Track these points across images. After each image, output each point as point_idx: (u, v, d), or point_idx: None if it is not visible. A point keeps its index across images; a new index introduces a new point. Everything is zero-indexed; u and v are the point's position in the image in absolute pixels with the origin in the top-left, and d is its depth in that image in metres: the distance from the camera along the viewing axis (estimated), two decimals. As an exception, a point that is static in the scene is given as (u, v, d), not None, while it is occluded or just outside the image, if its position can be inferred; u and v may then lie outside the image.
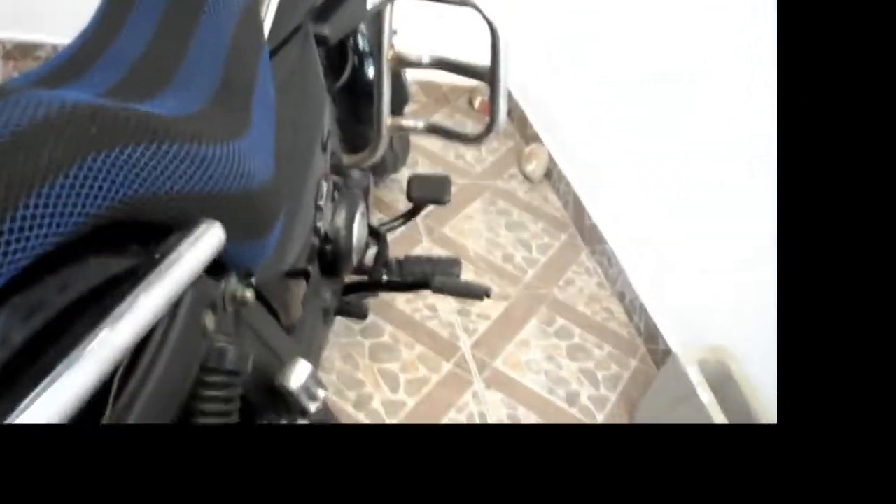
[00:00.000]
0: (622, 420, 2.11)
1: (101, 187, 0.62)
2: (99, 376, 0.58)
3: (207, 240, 0.73)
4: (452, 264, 1.79)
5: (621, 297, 2.54)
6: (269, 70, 1.03)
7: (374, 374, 2.06)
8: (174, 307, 0.72)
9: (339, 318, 2.14)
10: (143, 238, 0.71)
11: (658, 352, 2.33)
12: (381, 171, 2.54)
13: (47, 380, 0.55)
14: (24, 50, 3.08)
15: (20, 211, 0.55)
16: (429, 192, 1.84)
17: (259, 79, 1.00)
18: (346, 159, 1.79)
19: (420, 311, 2.29)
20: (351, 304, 1.65)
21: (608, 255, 2.63)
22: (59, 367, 0.56)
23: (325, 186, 1.24)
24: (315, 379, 1.05)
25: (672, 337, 2.29)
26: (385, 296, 2.29)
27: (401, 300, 2.31)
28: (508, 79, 1.71)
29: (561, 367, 2.24)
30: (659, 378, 2.04)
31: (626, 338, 2.41)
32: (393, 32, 1.81)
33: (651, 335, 2.37)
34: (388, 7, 1.72)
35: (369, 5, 1.60)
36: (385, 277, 1.76)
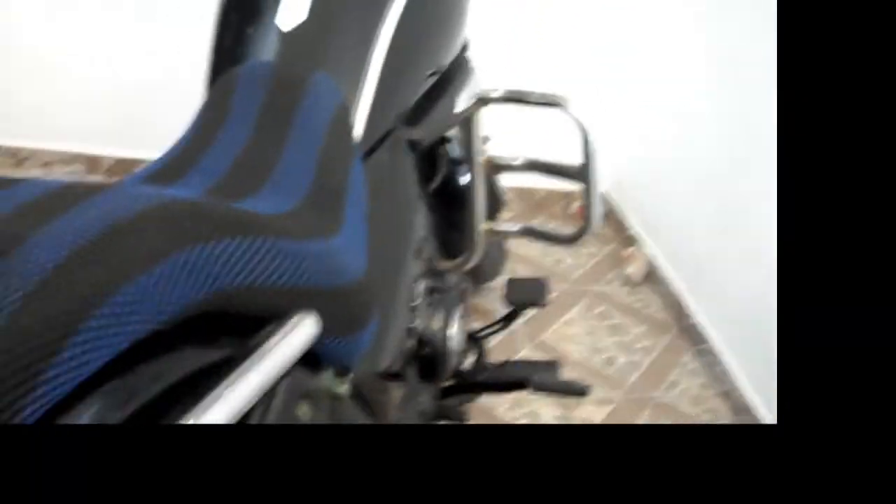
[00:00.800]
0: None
1: (197, 278, 0.64)
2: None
3: (301, 330, 0.73)
4: (551, 367, 1.77)
5: (726, 396, 2.46)
6: (360, 173, 1.05)
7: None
8: (268, 398, 0.72)
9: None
10: (238, 331, 0.72)
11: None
12: (478, 279, 2.54)
13: None
14: (125, 166, 3.22)
15: (119, 297, 0.57)
16: (526, 295, 1.83)
17: (351, 181, 1.02)
18: (443, 265, 1.80)
19: (520, 419, 2.26)
20: (449, 408, 1.63)
21: (712, 355, 2.57)
22: None
23: (419, 289, 1.25)
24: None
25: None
26: (486, 404, 2.27)
27: (501, 408, 2.28)
28: (600, 178, 1.71)
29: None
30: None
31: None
32: (485, 139, 1.83)
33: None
34: (478, 112, 1.74)
35: (458, 109, 1.62)
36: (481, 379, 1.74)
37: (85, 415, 0.59)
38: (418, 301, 1.24)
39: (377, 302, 0.96)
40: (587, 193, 1.73)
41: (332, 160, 1.01)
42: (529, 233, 1.90)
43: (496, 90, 1.72)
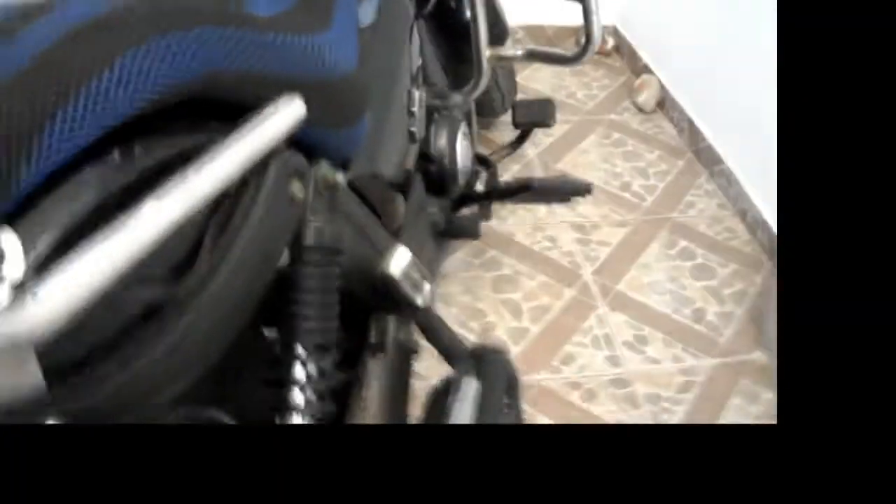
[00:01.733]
0: (750, 334, 2.08)
1: (183, 60, 0.67)
2: (179, 218, 0.63)
3: (286, 110, 0.77)
4: (566, 182, 1.81)
5: (743, 214, 2.49)
6: None
7: (497, 305, 2.10)
8: (261, 173, 0.76)
9: (459, 256, 2.18)
10: (230, 118, 0.75)
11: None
12: (488, 111, 2.55)
13: (126, 216, 0.60)
14: None
15: (115, 67, 0.61)
16: (533, 116, 1.85)
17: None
18: (451, 95, 1.82)
19: (539, 242, 2.31)
20: (463, 224, 1.67)
21: (727, 176, 2.59)
22: (139, 209, 0.61)
23: (416, 94, 1.27)
24: (418, 268, 1.09)
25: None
26: (504, 230, 2.32)
27: (520, 234, 2.33)
28: (608, 12, 1.70)
29: (685, 287, 2.23)
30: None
31: (750, 254, 2.37)
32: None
33: (775, 249, 2.32)
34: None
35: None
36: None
37: (88, 177, 0.64)
38: (416, 106, 1.27)
39: (369, 99, 0.99)
40: (585, 11, 1.73)
41: None
42: (534, 56, 1.91)
43: None
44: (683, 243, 2.38)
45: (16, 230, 0.57)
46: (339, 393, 1.14)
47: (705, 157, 2.73)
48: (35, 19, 0.63)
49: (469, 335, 1.98)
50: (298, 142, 0.86)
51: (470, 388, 1.03)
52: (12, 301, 0.54)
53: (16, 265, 0.56)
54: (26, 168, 0.57)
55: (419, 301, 1.10)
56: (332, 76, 0.90)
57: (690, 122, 2.81)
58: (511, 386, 1.08)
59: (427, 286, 1.12)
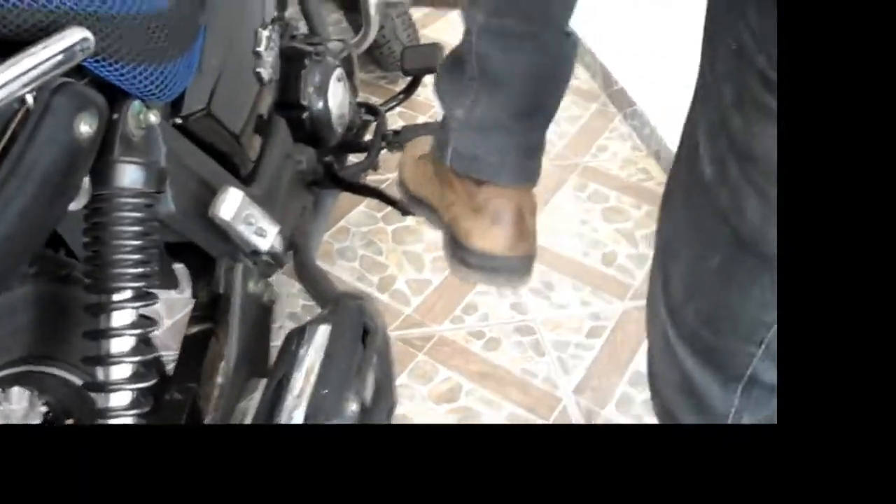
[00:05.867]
0: (662, 273, 2.06)
1: None
2: None
3: (65, 38, 0.72)
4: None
5: (657, 155, 2.46)
6: None
7: (399, 257, 2.05)
8: (42, 111, 0.72)
9: (360, 209, 2.14)
10: None
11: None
12: (389, 63, 2.50)
13: None
14: None
15: None
16: (422, 61, 1.80)
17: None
18: (326, 43, 1.76)
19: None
20: (341, 174, 1.62)
21: (639, 116, 2.56)
22: None
23: (262, 34, 1.22)
24: (258, 210, 1.04)
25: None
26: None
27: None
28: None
29: (596, 230, 2.19)
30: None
31: (663, 197, 2.34)
32: None
33: (688, 187, 2.30)
34: None
35: None
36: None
37: None
38: (261, 48, 1.21)
39: (191, 37, 0.94)
40: None
41: None
42: (420, 1, 1.86)
43: None
44: (594, 186, 2.35)
45: None
46: (197, 346, 1.11)
47: (618, 100, 2.69)
48: None
49: (368, 289, 1.94)
50: (106, 81, 0.81)
51: (319, 335, 0.99)
52: None
53: None
54: None
55: (262, 246, 1.06)
56: (143, 11, 0.84)
57: (602, 66, 2.78)
58: (367, 332, 1.04)
59: (273, 231, 1.08)
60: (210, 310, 1.12)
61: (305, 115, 1.45)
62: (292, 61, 1.43)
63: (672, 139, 2.38)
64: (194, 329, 1.12)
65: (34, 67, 0.68)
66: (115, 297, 0.85)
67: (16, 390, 1.12)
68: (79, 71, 0.76)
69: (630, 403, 1.74)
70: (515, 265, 1.17)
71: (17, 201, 0.70)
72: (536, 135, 1.17)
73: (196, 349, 1.10)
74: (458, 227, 1.18)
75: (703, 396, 0.88)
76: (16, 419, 1.08)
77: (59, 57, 0.71)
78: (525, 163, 1.16)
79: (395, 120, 2.01)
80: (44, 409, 1.09)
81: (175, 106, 0.98)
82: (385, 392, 1.05)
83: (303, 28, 1.70)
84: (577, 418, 1.70)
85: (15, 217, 0.70)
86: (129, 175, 0.84)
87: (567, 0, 1.12)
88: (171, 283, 1.09)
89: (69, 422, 1.09)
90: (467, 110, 1.13)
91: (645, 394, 1.74)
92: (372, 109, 1.80)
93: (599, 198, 2.31)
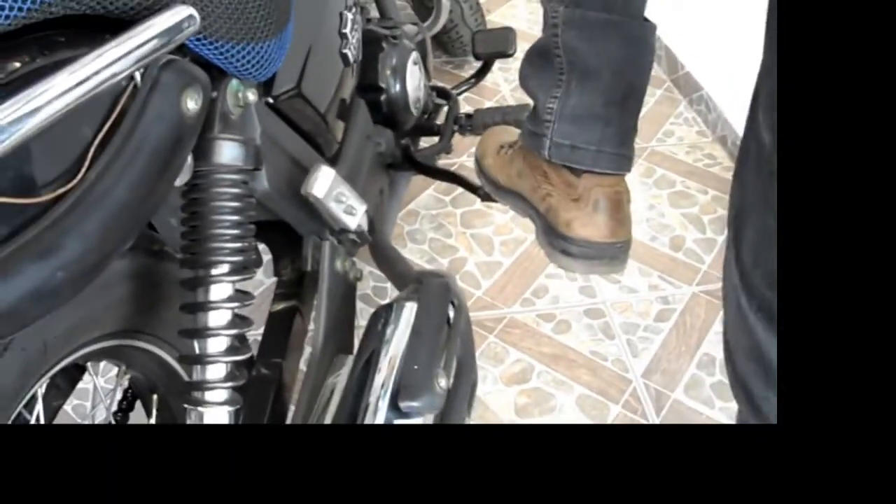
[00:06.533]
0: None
1: None
2: (47, 117, 0.61)
3: (171, 16, 0.73)
4: (522, 110, 1.76)
5: (723, 141, 2.45)
6: None
7: (468, 240, 2.07)
8: (151, 85, 0.74)
9: (429, 192, 2.15)
10: None
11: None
12: (457, 49, 2.51)
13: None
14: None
15: None
16: (493, 46, 1.81)
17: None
18: (403, 27, 1.78)
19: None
20: (418, 156, 1.64)
21: (705, 102, 2.54)
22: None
23: (348, 15, 1.24)
24: (347, 189, 1.06)
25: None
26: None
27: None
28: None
29: (663, 214, 2.19)
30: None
31: (730, 181, 2.32)
32: None
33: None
34: None
35: None
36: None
37: None
38: (346, 29, 1.23)
39: (285, 15, 0.96)
40: None
41: None
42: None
43: None
44: (661, 171, 2.34)
45: None
46: (282, 323, 1.13)
47: (684, 85, 2.68)
48: None
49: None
50: (206, 60, 0.83)
51: (405, 312, 1.01)
52: None
53: None
54: None
55: (351, 224, 1.08)
56: None
57: (668, 50, 2.76)
58: (455, 309, 1.06)
59: (361, 209, 1.09)
60: (295, 287, 1.14)
61: (384, 97, 1.46)
62: (371, 44, 1.44)
63: (738, 124, 2.36)
64: (279, 306, 1.14)
65: (143, 44, 0.69)
66: (214, 270, 0.87)
67: (102, 365, 1.15)
68: (180, 49, 0.77)
69: (699, 387, 1.74)
70: (616, 252, 1.20)
71: (129, 175, 0.72)
72: (630, 120, 1.19)
73: (281, 326, 1.11)
74: (556, 216, 1.20)
75: (771, 363, 0.89)
76: (101, 394, 1.11)
77: (167, 35, 0.72)
78: (621, 150, 1.18)
79: (462, 104, 2.02)
80: (125, 384, 1.12)
81: (267, 85, 0.99)
82: (467, 368, 1.07)
83: (373, 12, 1.71)
84: (646, 400, 1.71)
85: (127, 190, 0.71)
86: (229, 152, 0.86)
87: None
88: (257, 261, 1.12)
89: (154, 397, 1.11)
90: (560, 102, 1.15)
91: (714, 377, 1.75)
92: (444, 93, 1.81)
93: (666, 183, 2.30)
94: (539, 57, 1.19)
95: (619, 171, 1.18)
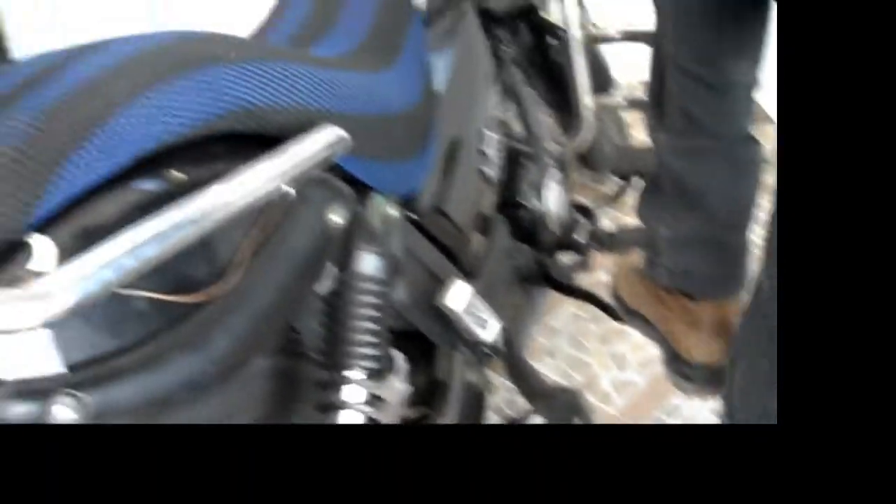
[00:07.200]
0: None
1: (217, 92, 0.72)
2: (203, 227, 0.66)
3: (323, 136, 0.79)
4: None
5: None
6: (420, 29, 1.11)
7: (603, 357, 2.06)
8: (300, 201, 0.79)
9: (569, 309, 2.16)
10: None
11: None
12: (598, 163, 2.52)
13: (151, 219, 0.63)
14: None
15: (143, 100, 0.66)
16: (635, 163, 1.83)
17: (409, 34, 1.08)
18: (544, 143, 1.81)
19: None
20: (557, 269, 1.65)
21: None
22: (163, 214, 0.64)
23: (490, 135, 1.28)
24: (482, 304, 1.08)
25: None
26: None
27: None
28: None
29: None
30: None
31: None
32: (581, 8, 1.83)
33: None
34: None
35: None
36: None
37: (122, 193, 0.67)
38: (488, 149, 1.27)
39: (431, 136, 1.01)
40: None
41: (389, 16, 1.07)
42: (636, 104, 1.89)
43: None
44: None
45: (46, 233, 0.61)
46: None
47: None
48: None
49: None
50: (351, 175, 0.88)
51: None
52: (32, 287, 0.58)
53: (43, 260, 0.60)
54: (49, 194, 0.61)
55: (485, 338, 1.10)
56: (388, 113, 0.93)
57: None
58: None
59: (496, 324, 1.11)
60: (427, 395, 1.16)
61: (523, 213, 1.49)
62: (512, 161, 1.48)
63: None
64: (411, 413, 1.16)
65: (298, 163, 0.75)
66: (348, 374, 0.90)
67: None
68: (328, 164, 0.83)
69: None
70: None
71: (275, 281, 0.76)
72: (741, 240, 1.19)
73: None
74: (676, 342, 1.20)
75: None
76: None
77: (319, 154, 0.78)
78: (735, 271, 1.17)
79: (603, 219, 2.03)
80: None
81: (410, 200, 1.04)
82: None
83: (518, 128, 1.75)
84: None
85: (273, 294, 0.76)
86: (369, 263, 0.90)
87: (747, 107, 1.13)
88: (391, 367, 1.15)
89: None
90: (671, 228, 1.16)
91: None
92: (584, 210, 1.82)
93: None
94: (651, 184, 1.20)
95: (733, 294, 1.17)
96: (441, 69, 1.18)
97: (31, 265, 0.60)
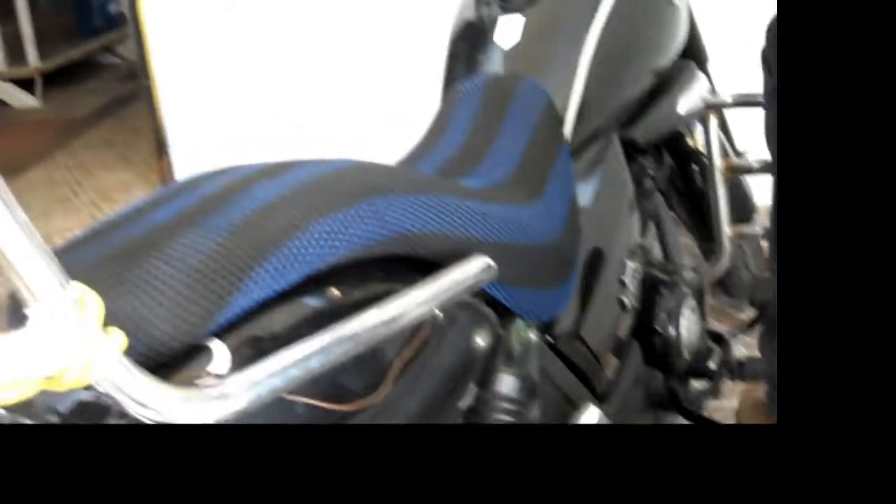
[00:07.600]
0: None
1: (383, 219, 0.79)
2: (362, 344, 0.72)
3: (472, 266, 0.85)
4: None
5: None
6: (568, 161, 1.17)
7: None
8: (448, 323, 0.85)
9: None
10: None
11: None
12: (736, 290, 2.51)
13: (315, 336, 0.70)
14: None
15: (316, 227, 0.73)
16: (770, 294, 1.82)
17: (556, 165, 1.14)
18: (681, 271, 1.83)
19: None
20: (688, 397, 1.65)
21: None
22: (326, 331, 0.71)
23: (629, 266, 1.32)
24: (612, 428, 1.11)
25: None
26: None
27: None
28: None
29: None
30: None
31: None
32: (726, 136, 1.86)
33: None
34: (712, 114, 1.78)
35: (681, 111, 1.66)
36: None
37: (291, 309, 0.74)
38: (627, 279, 1.31)
39: (573, 267, 1.06)
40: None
41: (538, 149, 1.14)
42: (775, 234, 1.89)
43: (724, 94, 1.76)
44: None
45: (223, 340, 0.68)
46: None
47: None
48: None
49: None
50: (495, 299, 0.94)
51: None
52: (213, 388, 0.64)
53: (220, 363, 0.67)
54: (230, 306, 0.68)
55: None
56: (534, 243, 1.00)
57: None
58: None
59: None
60: None
61: (658, 340, 1.50)
62: (649, 288, 1.51)
63: None
64: None
65: (449, 289, 0.81)
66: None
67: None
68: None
69: None
70: None
71: (422, 396, 0.83)
72: None
73: None
74: None
75: None
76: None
77: (469, 281, 0.84)
78: None
79: (738, 347, 2.01)
80: None
81: (549, 326, 1.09)
82: None
83: (657, 252, 1.78)
84: None
85: (418, 409, 0.82)
86: (508, 384, 0.95)
87: None
88: None
89: None
90: None
91: None
92: (718, 337, 1.83)
93: None
94: (770, 319, 1.21)
95: None
96: (585, 199, 1.25)
97: (210, 367, 0.67)
